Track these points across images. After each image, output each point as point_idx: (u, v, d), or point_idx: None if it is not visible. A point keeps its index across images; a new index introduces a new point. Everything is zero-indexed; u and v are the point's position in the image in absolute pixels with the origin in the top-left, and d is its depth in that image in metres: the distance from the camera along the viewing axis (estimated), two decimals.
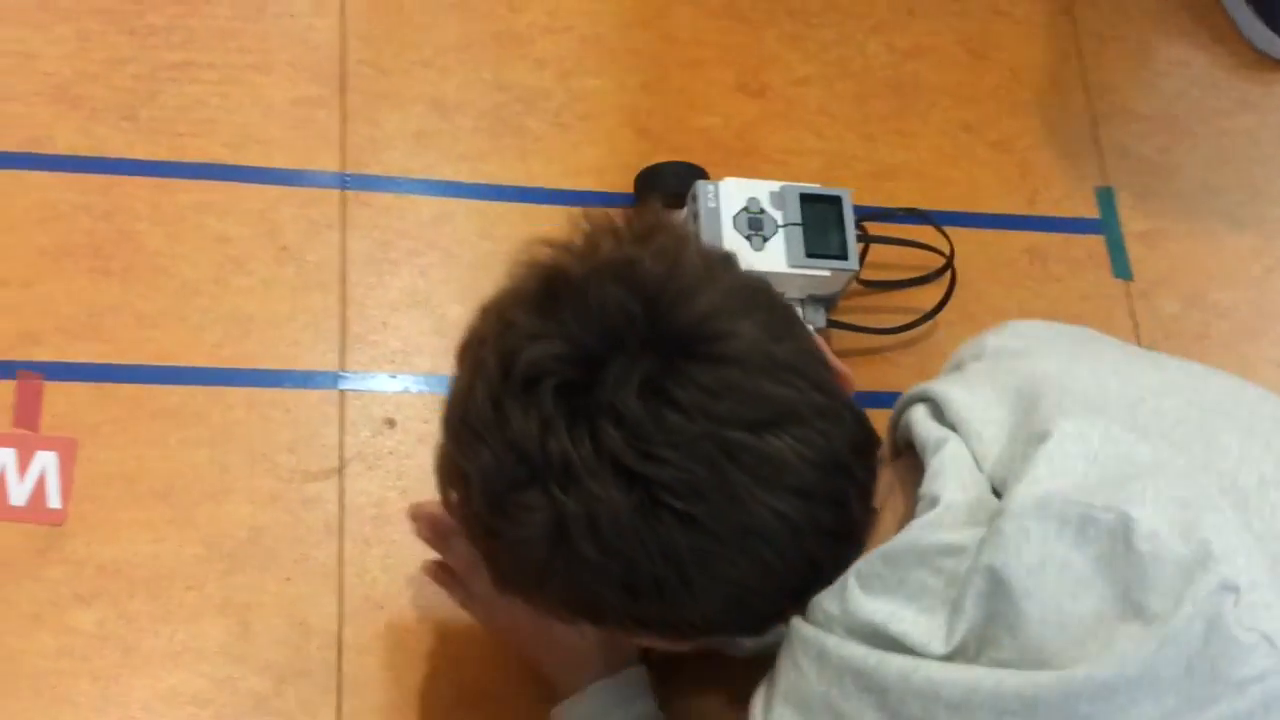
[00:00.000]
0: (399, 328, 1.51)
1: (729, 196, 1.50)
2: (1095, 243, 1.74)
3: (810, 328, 1.46)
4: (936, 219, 1.63)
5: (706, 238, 1.46)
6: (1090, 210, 1.76)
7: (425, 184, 1.59)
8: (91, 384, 1.42)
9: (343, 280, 1.51)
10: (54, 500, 1.37)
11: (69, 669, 1.30)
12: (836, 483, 0.98)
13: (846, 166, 1.71)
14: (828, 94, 1.75)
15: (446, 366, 1.46)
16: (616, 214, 1.05)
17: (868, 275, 1.57)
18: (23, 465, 1.37)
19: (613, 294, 0.95)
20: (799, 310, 1.49)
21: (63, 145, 1.51)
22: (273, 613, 1.36)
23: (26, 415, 1.39)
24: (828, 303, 1.53)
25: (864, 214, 1.56)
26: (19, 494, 1.36)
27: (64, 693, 1.29)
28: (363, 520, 1.41)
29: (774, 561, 0.96)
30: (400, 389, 1.48)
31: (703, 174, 1.56)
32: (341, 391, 1.47)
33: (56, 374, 1.41)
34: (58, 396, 1.41)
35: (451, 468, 1.05)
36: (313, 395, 1.46)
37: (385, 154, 1.59)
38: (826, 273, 1.48)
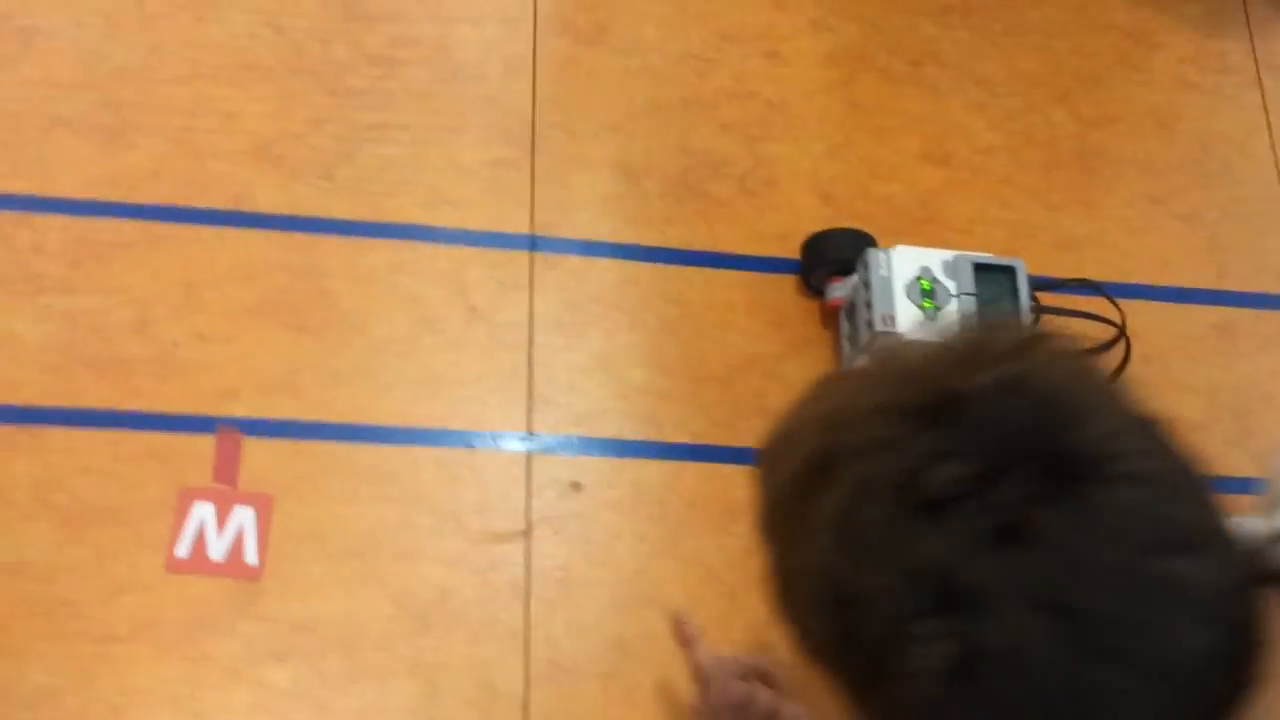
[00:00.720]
0: (585, 391, 1.52)
1: (901, 264, 1.49)
2: None
3: None
4: (1111, 291, 1.61)
5: (878, 306, 1.46)
6: None
7: (612, 247, 1.60)
8: (287, 440, 1.44)
9: (530, 342, 1.53)
10: (251, 556, 1.39)
11: None
12: (1245, 610, 0.93)
13: (1030, 237, 1.69)
14: (1013, 163, 1.73)
15: (631, 430, 1.49)
16: (991, 320, 1.03)
17: None
18: (221, 520, 1.40)
19: (1013, 409, 0.89)
20: None
21: (263, 204, 1.54)
22: (460, 675, 1.37)
23: (226, 470, 1.42)
24: None
25: (1037, 284, 1.54)
26: (218, 549, 1.39)
27: None
28: (548, 584, 1.42)
29: (1183, 699, 0.91)
30: (586, 452, 1.49)
31: (871, 241, 1.56)
32: (528, 454, 1.48)
33: (254, 430, 1.44)
34: (255, 452, 1.43)
35: (822, 591, 1.00)
36: (500, 457, 1.47)
37: (574, 217, 1.60)
38: None
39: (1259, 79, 1.85)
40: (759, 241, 1.64)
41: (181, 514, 1.40)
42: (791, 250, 1.62)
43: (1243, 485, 1.55)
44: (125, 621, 1.34)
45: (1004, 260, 1.51)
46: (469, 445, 1.47)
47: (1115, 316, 1.58)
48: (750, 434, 1.48)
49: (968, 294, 1.47)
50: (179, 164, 1.55)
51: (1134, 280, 1.69)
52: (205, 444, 1.43)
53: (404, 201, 1.58)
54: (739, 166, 1.67)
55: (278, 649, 1.35)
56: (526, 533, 1.44)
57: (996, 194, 1.72)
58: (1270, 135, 1.81)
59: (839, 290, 1.56)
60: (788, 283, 1.61)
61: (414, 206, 1.58)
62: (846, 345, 1.53)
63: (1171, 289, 1.70)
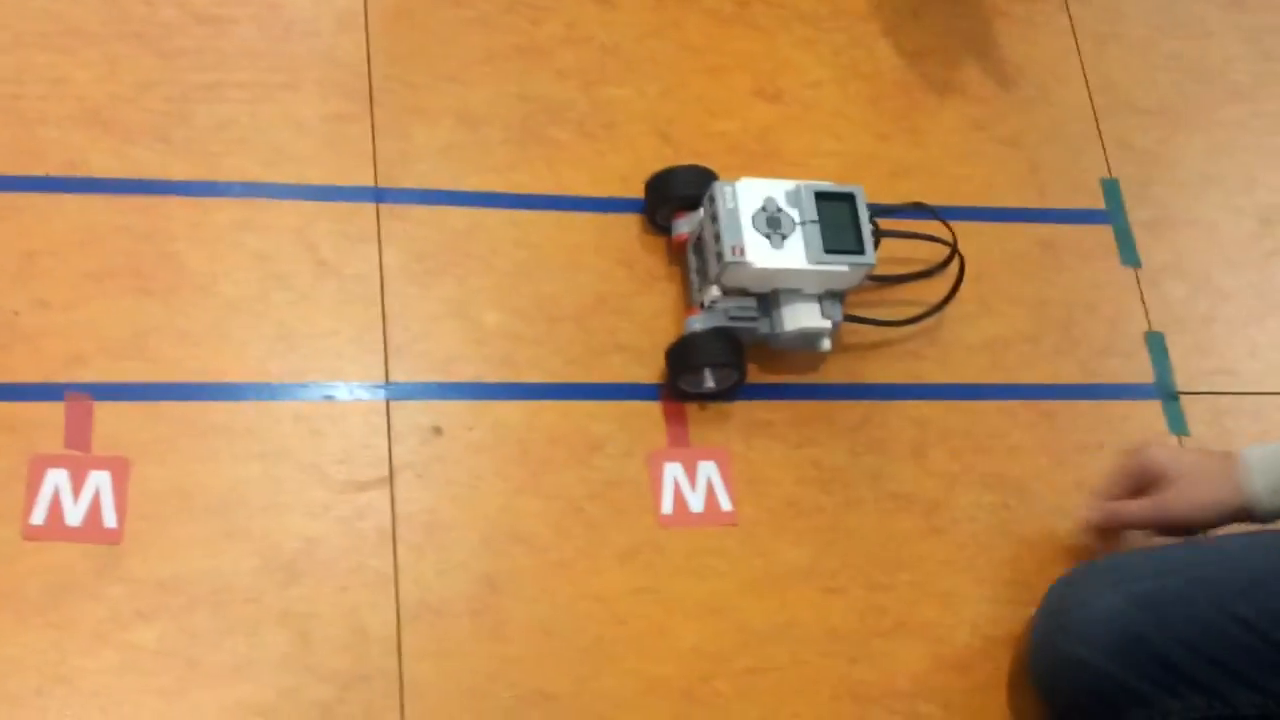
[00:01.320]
0: (440, 337, 1.53)
1: (746, 196, 1.53)
2: (1103, 232, 1.79)
3: (829, 323, 1.51)
4: (942, 214, 1.67)
5: (727, 238, 1.49)
6: (1096, 201, 1.80)
7: (457, 195, 1.61)
8: (140, 403, 1.43)
9: (382, 292, 1.53)
10: (109, 520, 1.38)
11: (134, 685, 1.32)
12: None
13: (864, 166, 1.74)
14: (842, 96, 1.78)
15: (489, 373, 1.51)
16: None
17: (876, 270, 1.60)
18: (76, 486, 1.39)
19: None
20: (817, 305, 1.53)
21: (99, 168, 1.52)
22: (331, 622, 1.38)
23: (77, 436, 1.41)
24: (841, 297, 1.56)
25: (874, 211, 1.59)
26: (74, 514, 1.38)
27: (130, 710, 1.31)
28: (415, 528, 1.44)
29: None
30: (445, 397, 1.50)
31: (713, 177, 1.59)
32: (387, 402, 1.49)
33: (105, 394, 1.43)
34: (107, 417, 1.42)
35: None
36: (359, 406, 1.48)
37: (417, 167, 1.61)
38: (845, 268, 1.51)
39: (1066, 5, 1.93)
40: (603, 183, 1.66)
41: (34, 483, 1.38)
42: (635, 190, 1.65)
43: (1071, 391, 1.63)
44: None
45: (844, 188, 1.55)
46: (328, 398, 1.47)
47: (948, 237, 1.64)
48: (605, 370, 1.53)
49: (812, 221, 1.51)
50: (8, 133, 1.52)
51: (963, 203, 1.75)
52: (55, 411, 1.41)
53: (244, 160, 1.57)
54: (578, 110, 1.69)
55: (144, 609, 1.35)
56: (390, 479, 1.45)
57: (829, 126, 1.77)
58: (1079, 59, 1.89)
59: (684, 225, 1.59)
60: (633, 221, 1.65)
61: (255, 165, 1.57)
62: (695, 279, 1.57)
63: (997, 209, 1.77)
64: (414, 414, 1.49)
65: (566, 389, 1.53)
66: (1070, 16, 1.93)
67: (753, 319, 1.53)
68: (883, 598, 1.50)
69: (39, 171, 1.51)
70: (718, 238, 1.50)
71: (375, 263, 1.55)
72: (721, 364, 1.50)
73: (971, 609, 1.52)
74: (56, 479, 1.39)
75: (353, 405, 1.48)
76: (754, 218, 1.51)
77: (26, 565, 1.34)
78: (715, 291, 1.52)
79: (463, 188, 1.61)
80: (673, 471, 1.51)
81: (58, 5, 1.60)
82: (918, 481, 1.57)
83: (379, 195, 1.58)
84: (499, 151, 1.64)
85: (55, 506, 1.38)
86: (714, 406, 1.55)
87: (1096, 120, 1.86)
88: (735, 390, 1.54)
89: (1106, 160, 1.84)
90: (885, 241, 1.60)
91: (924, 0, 1.88)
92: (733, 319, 1.52)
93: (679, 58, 1.76)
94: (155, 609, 1.35)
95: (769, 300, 1.53)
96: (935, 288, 1.65)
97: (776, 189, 1.53)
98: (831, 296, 1.54)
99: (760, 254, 1.49)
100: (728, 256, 1.48)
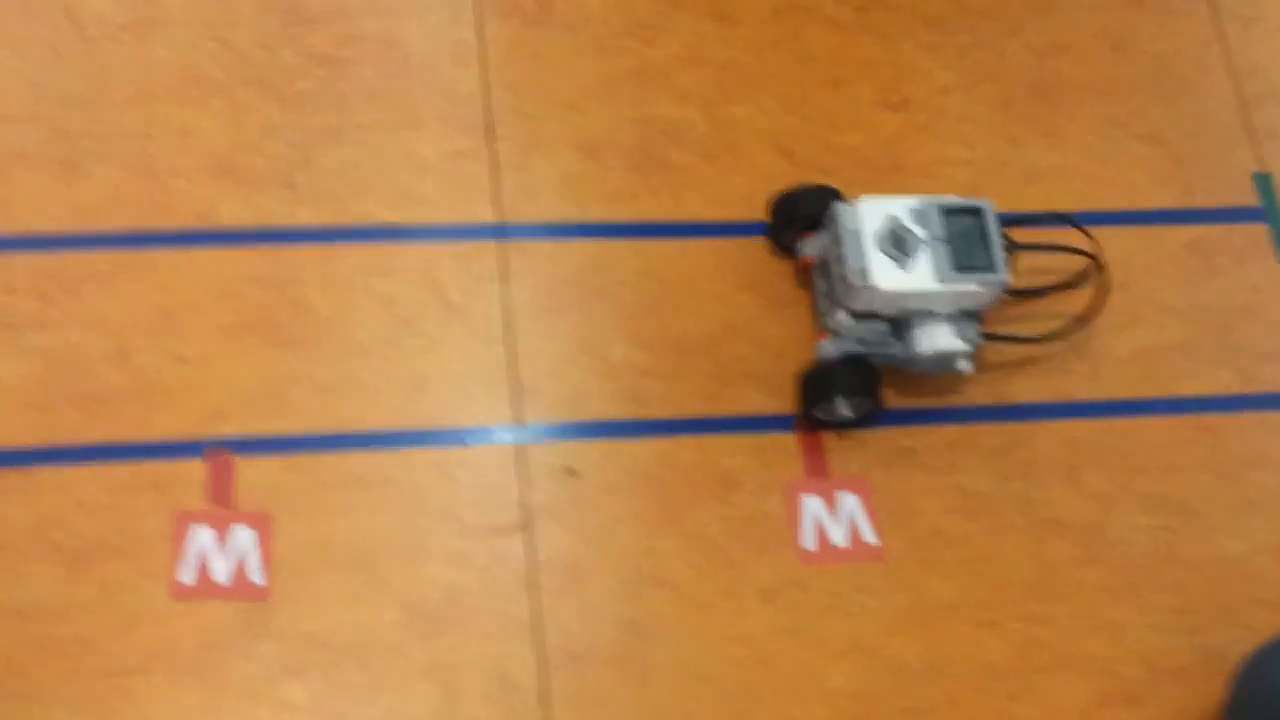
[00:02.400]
0: (568, 375, 1.52)
1: (869, 216, 1.49)
2: (1257, 231, 1.71)
3: (965, 344, 1.46)
4: (1082, 220, 1.61)
5: (850, 260, 1.46)
6: (1249, 198, 1.73)
7: (579, 228, 1.59)
8: (279, 456, 1.44)
9: (509, 332, 1.52)
10: (256, 576, 1.39)
11: None
12: None
13: (996, 173, 1.69)
14: (970, 101, 1.73)
15: (619, 410, 1.49)
16: None
17: (1014, 285, 1.54)
18: (222, 542, 1.40)
19: None
20: (952, 326, 1.48)
21: (228, 218, 1.53)
22: (475, 672, 1.38)
23: (221, 492, 1.42)
24: (978, 317, 1.52)
25: (1006, 221, 1.54)
26: (222, 571, 1.39)
27: None
28: (554, 573, 1.43)
29: None
30: (576, 437, 1.49)
31: (837, 195, 1.56)
32: (520, 445, 1.48)
33: (245, 448, 1.44)
34: (248, 471, 1.43)
35: None
36: (493, 450, 1.47)
37: (538, 200, 1.60)
38: (977, 287, 1.47)
39: None
40: (726, 206, 1.63)
41: (180, 540, 1.39)
42: (759, 212, 1.61)
43: (1233, 403, 1.57)
44: (139, 653, 1.34)
45: (971, 201, 1.51)
46: (461, 443, 1.47)
47: (1088, 247, 1.58)
48: (736, 401, 1.50)
49: (939, 239, 1.47)
50: (138, 187, 1.53)
51: (1104, 207, 1.69)
52: (197, 468, 1.42)
53: (368, 202, 1.57)
54: (697, 131, 1.66)
55: (293, 665, 1.36)
56: (527, 524, 1.44)
57: (957, 133, 1.71)
58: (1223, 46, 1.81)
59: (810, 247, 1.55)
60: (758, 245, 1.61)
61: (379, 206, 1.57)
62: (823, 302, 1.54)
63: (1141, 212, 1.70)
64: (547, 455, 1.48)
65: (698, 423, 1.51)
66: (1210, 2, 1.84)
67: (886, 343, 1.49)
68: (1041, 630, 1.46)
69: (170, 224, 1.52)
70: (841, 261, 1.46)
71: (501, 301, 1.54)
72: (857, 392, 1.46)
73: (1137, 640, 1.47)
74: (202, 536, 1.40)
75: (486, 449, 1.47)
76: (878, 238, 1.47)
77: (178, 625, 1.36)
78: (844, 316, 1.48)
79: (585, 219, 1.60)
80: (812, 505, 1.48)
81: (182, 56, 1.60)
82: (1071, 505, 1.52)
83: (501, 231, 1.56)
84: (619, 179, 1.62)
85: (203, 564, 1.39)
86: (852, 435, 1.52)
87: (1245, 111, 1.78)
88: (872, 419, 1.50)
89: (1258, 154, 1.76)
90: (1022, 254, 1.55)
91: None
92: (865, 344, 1.48)
93: (799, 71, 1.72)
94: (304, 665, 1.36)
95: (901, 323, 1.49)
96: (1078, 299, 1.59)
97: (900, 207, 1.49)
98: (967, 316, 1.50)
99: (886, 276, 1.45)
100: (852, 280, 1.44)
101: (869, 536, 1.47)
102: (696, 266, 1.60)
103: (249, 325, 1.49)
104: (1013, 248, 1.54)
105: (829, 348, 1.50)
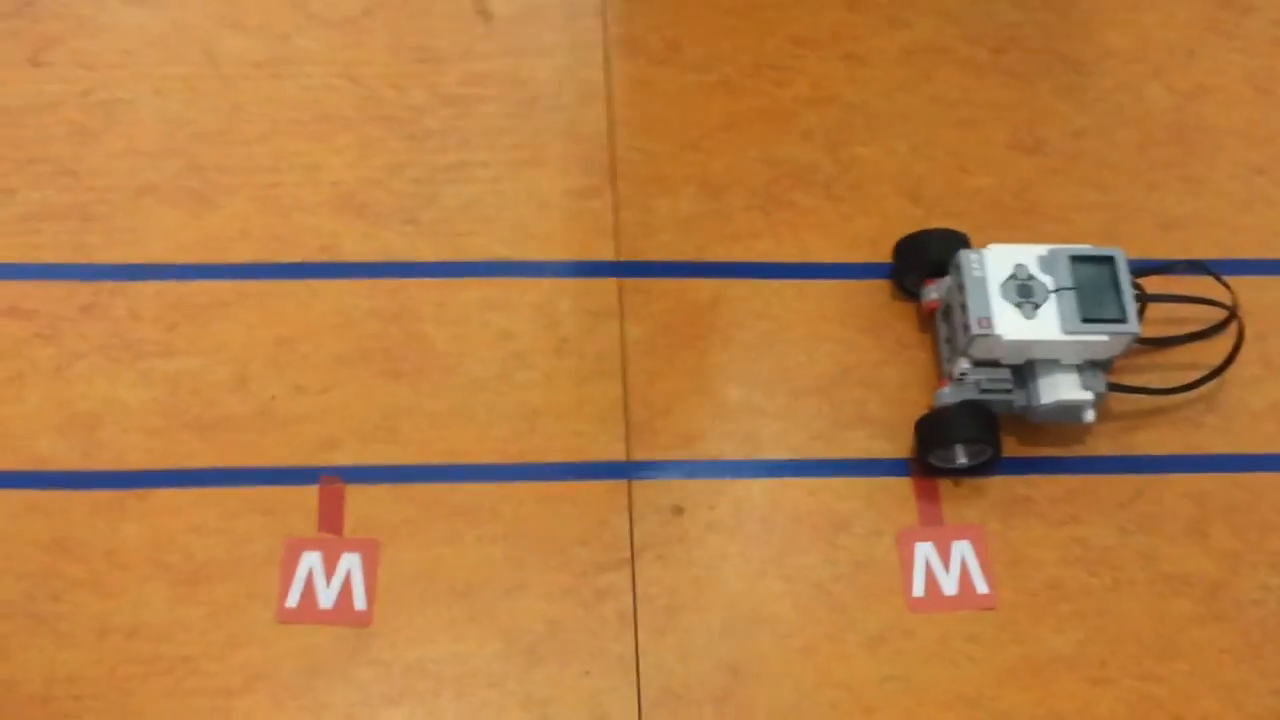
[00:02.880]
0: (681, 414, 1.51)
1: (995, 263, 1.45)
2: None
3: (1089, 394, 1.41)
4: (1220, 268, 1.54)
5: (974, 309, 1.42)
6: None
7: (699, 266, 1.59)
8: (388, 485, 1.45)
9: (624, 369, 1.52)
10: (360, 602, 1.40)
11: None
12: None
13: (1132, 220, 1.64)
14: (1107, 145, 1.68)
15: (731, 450, 1.48)
16: None
17: (1146, 332, 1.50)
18: (329, 568, 1.42)
19: None
20: (1077, 376, 1.44)
21: (350, 253, 1.56)
22: (573, 707, 1.37)
23: (330, 519, 1.44)
24: (1106, 365, 1.47)
25: (1140, 269, 1.50)
26: (327, 597, 1.40)
27: None
28: (656, 610, 1.41)
29: None
30: (686, 475, 1.48)
31: (964, 240, 1.52)
32: (629, 482, 1.47)
33: (356, 477, 1.45)
34: (357, 499, 1.45)
35: None
36: (600, 486, 1.47)
37: (658, 239, 1.60)
38: (1105, 338, 1.42)
39: None
40: (850, 248, 1.61)
41: (290, 565, 1.41)
42: (884, 255, 1.59)
43: None
44: (242, 674, 1.36)
45: (1102, 250, 1.46)
46: (569, 478, 1.47)
47: (1225, 297, 1.52)
48: (851, 445, 1.47)
49: (1066, 289, 1.43)
50: (265, 221, 1.57)
51: (1243, 255, 1.63)
52: (309, 495, 1.44)
53: (488, 239, 1.58)
54: (823, 173, 1.65)
55: (392, 693, 1.36)
56: (631, 561, 1.43)
57: (1093, 178, 1.67)
58: None
59: (934, 292, 1.52)
60: (881, 288, 1.59)
61: (499, 243, 1.58)
62: (945, 348, 1.50)
63: None
64: (655, 493, 1.46)
65: (811, 465, 1.48)
66: None
67: (1007, 391, 1.45)
68: (1156, 689, 1.40)
69: (295, 259, 1.56)
70: (964, 308, 1.43)
71: (617, 338, 1.54)
72: (973, 439, 1.42)
73: (1257, 703, 1.40)
74: (311, 561, 1.42)
75: (594, 485, 1.46)
76: (1004, 286, 1.43)
77: (281, 648, 1.38)
78: (965, 364, 1.45)
79: (704, 258, 1.59)
80: (924, 551, 1.44)
81: (313, 93, 1.65)
82: (1196, 562, 1.46)
83: (620, 270, 1.56)
84: (741, 219, 1.61)
85: (309, 589, 1.41)
86: (968, 482, 1.48)
87: None
88: (990, 466, 1.46)
89: None
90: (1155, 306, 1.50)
91: (1199, 36, 1.76)
92: (985, 391, 1.45)
93: (930, 112, 1.70)
94: (403, 693, 1.36)
95: (1024, 371, 1.45)
96: (1213, 350, 1.53)
97: (1028, 254, 1.45)
98: (1093, 365, 1.45)
99: (1010, 326, 1.41)
100: (975, 329, 1.41)
101: (981, 585, 1.43)
102: (816, 308, 1.58)
103: (365, 356, 1.51)
104: (1145, 298, 1.49)
105: (948, 394, 1.46)
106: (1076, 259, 1.44)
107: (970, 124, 1.69)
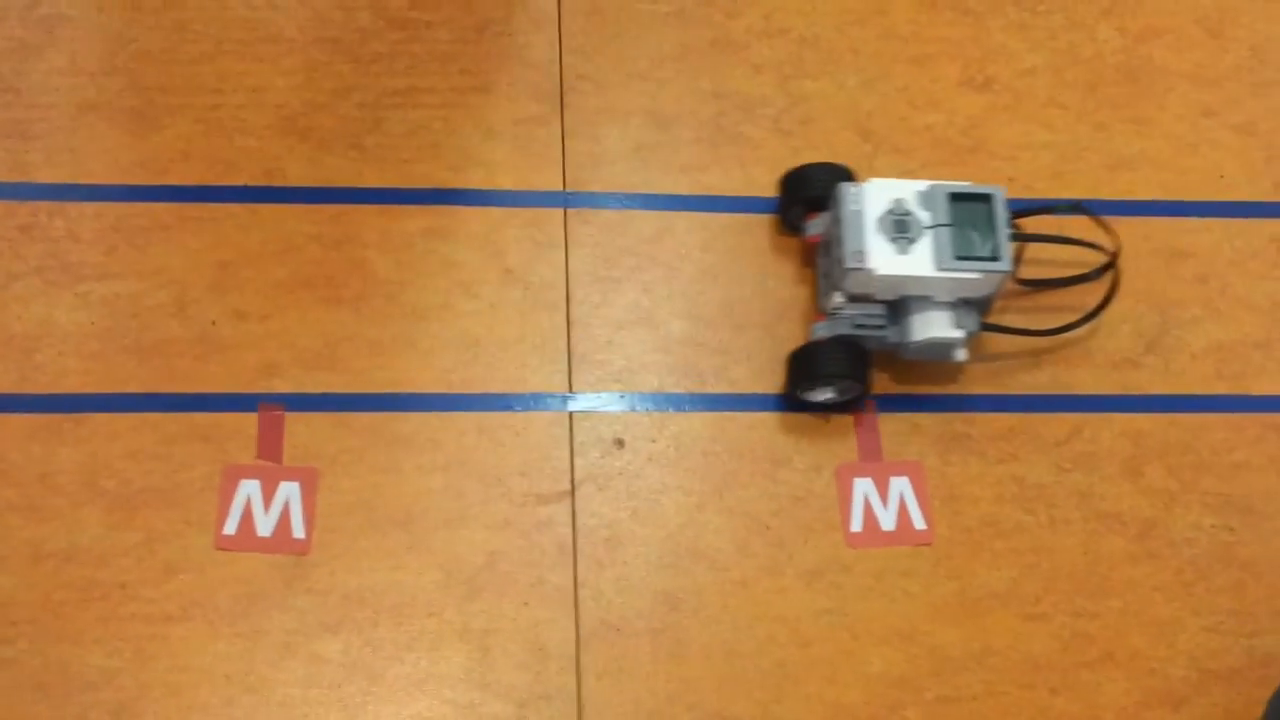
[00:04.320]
0: (624, 345, 1.51)
1: (873, 198, 1.44)
2: None
3: (962, 333, 1.42)
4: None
5: (849, 243, 1.41)
6: None
7: (646, 198, 1.58)
8: (329, 413, 1.45)
9: (567, 300, 1.51)
10: (298, 530, 1.40)
11: (318, 697, 1.33)
12: None
13: (1078, 159, 1.64)
14: (1057, 83, 1.68)
15: (672, 383, 1.47)
16: None
17: (1039, 274, 1.51)
18: (267, 496, 1.41)
19: None
20: (950, 314, 1.44)
21: (294, 177, 1.54)
22: (511, 637, 1.37)
23: (269, 447, 1.43)
24: (981, 305, 1.47)
25: (1027, 209, 1.50)
26: (265, 525, 1.40)
27: None
28: (595, 542, 1.42)
29: None
30: (628, 408, 1.48)
31: (849, 175, 1.52)
32: (570, 413, 1.47)
33: (296, 405, 1.45)
34: (297, 427, 1.44)
35: None
36: (542, 417, 1.47)
37: (606, 170, 1.59)
38: (978, 275, 1.42)
39: None
40: None
41: (228, 492, 1.41)
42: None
43: None
44: (178, 601, 1.36)
45: (981, 188, 1.45)
46: (510, 408, 1.46)
47: (1108, 241, 1.50)
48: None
49: (943, 225, 1.42)
50: (208, 143, 1.55)
51: (1189, 196, 1.63)
52: (248, 421, 1.43)
53: (435, 166, 1.57)
54: (773, 107, 1.64)
55: (329, 621, 1.36)
56: (571, 492, 1.43)
57: (1042, 117, 1.67)
58: None
59: (816, 227, 1.51)
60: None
61: (445, 170, 1.56)
62: (823, 283, 1.50)
63: (1228, 204, 1.64)
64: (596, 425, 1.46)
65: (753, 399, 1.49)
66: None
67: (881, 327, 1.45)
68: (1089, 625, 1.42)
69: (237, 181, 1.53)
70: (840, 242, 1.43)
71: (562, 269, 1.53)
72: (842, 375, 1.42)
73: (1188, 640, 1.42)
74: (249, 489, 1.41)
75: (535, 416, 1.46)
76: (880, 221, 1.43)
77: (218, 575, 1.37)
78: (839, 298, 1.44)
79: (652, 190, 1.58)
80: (863, 487, 1.45)
81: (259, 13, 1.62)
82: (1131, 501, 1.47)
83: (567, 200, 1.55)
84: (690, 151, 1.60)
85: (247, 517, 1.40)
86: (908, 418, 1.49)
87: None
88: (858, 403, 1.47)
89: None
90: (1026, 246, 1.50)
91: None
92: (858, 327, 1.45)
93: (882, 47, 1.69)
94: (340, 621, 1.37)
95: (898, 307, 1.45)
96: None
97: (908, 190, 1.44)
98: (968, 304, 1.45)
99: (883, 260, 1.41)
100: (848, 263, 1.41)
101: (919, 522, 1.44)
102: (761, 243, 1.57)
103: (307, 282, 1.50)
104: (1024, 238, 1.49)
105: (822, 329, 1.46)
106: (955, 196, 1.44)
107: (921, 60, 1.68)
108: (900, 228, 1.42)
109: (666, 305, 1.53)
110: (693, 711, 1.35)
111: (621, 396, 1.48)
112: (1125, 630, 1.42)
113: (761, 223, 1.57)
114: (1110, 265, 1.49)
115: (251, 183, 1.54)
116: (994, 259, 1.41)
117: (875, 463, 1.46)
